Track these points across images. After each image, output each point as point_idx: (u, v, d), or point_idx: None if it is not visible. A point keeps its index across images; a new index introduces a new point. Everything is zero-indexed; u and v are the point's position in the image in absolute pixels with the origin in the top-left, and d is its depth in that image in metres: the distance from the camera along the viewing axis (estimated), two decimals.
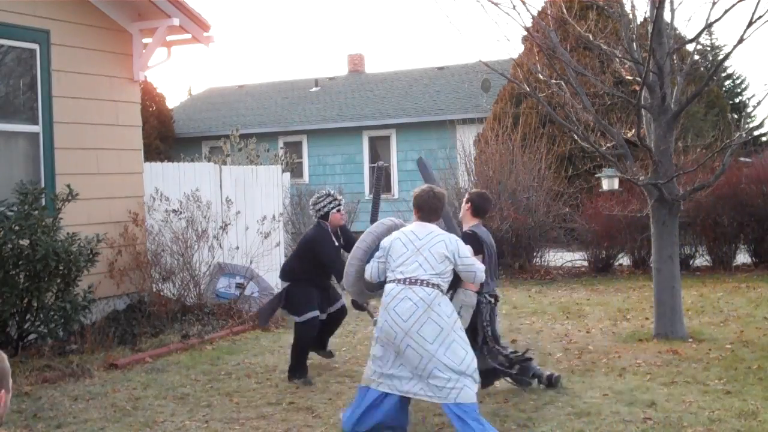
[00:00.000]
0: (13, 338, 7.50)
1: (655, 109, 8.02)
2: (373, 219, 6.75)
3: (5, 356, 2.68)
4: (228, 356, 7.80)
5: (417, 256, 5.11)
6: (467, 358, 4.98)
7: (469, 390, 4.93)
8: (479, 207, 6.21)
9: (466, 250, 5.28)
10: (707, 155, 9.27)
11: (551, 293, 11.43)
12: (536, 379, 6.33)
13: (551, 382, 6.28)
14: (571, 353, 7.54)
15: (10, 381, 2.66)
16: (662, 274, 8.17)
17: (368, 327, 9.28)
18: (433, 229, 5.25)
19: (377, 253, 5.38)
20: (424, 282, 5.02)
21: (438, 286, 5.05)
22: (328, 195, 7.04)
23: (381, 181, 7.18)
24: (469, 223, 6.18)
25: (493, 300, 6.06)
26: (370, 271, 5.40)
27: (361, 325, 9.43)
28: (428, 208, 5.34)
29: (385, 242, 5.34)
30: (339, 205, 7.02)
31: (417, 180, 16.98)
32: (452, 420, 4.96)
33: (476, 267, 5.22)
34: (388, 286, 5.14)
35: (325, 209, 6.98)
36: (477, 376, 5.05)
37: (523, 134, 15.08)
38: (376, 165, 7.31)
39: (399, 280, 5.07)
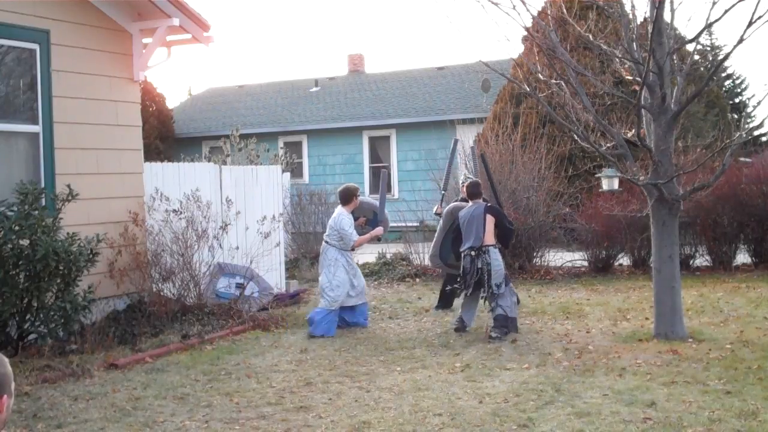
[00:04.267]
0: (13, 338, 7.50)
1: (655, 109, 8.01)
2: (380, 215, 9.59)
3: (6, 360, 2.64)
4: (228, 356, 7.80)
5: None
6: (327, 284, 9.01)
7: (322, 300, 8.99)
8: (471, 192, 9.15)
9: (346, 225, 8.98)
10: (707, 155, 9.27)
11: (551, 293, 11.42)
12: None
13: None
14: (571, 353, 7.54)
15: (13, 385, 2.62)
16: (662, 274, 8.17)
17: (368, 327, 9.29)
18: (337, 210, 9.19)
19: None
20: (325, 240, 9.19)
21: (328, 242, 9.13)
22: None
23: (384, 184, 9.73)
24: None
25: (474, 252, 8.67)
26: None
27: (360, 325, 9.43)
28: (341, 197, 9.26)
29: None
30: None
31: (417, 180, 16.88)
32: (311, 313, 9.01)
33: (347, 237, 8.97)
34: None
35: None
36: (332, 294, 8.92)
37: (523, 134, 15.07)
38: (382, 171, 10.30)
39: None
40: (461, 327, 8.73)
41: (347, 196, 9.19)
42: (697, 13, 34.59)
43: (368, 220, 9.50)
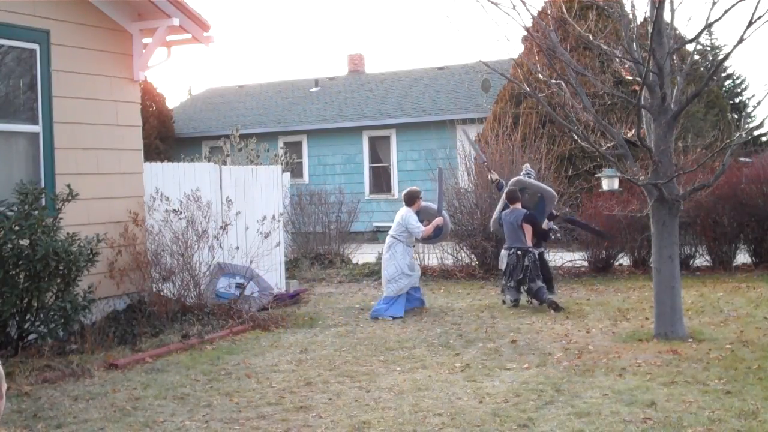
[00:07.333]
0: (13, 338, 7.50)
1: (655, 109, 8.01)
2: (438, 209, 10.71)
3: None
4: (228, 356, 7.80)
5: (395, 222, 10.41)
6: (394, 273, 10.09)
7: (389, 288, 10.09)
8: (508, 197, 10.56)
9: (413, 221, 10.19)
10: (707, 155, 9.26)
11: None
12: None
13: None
14: (571, 353, 7.54)
15: (4, 386, 2.57)
16: (662, 274, 8.17)
17: (368, 327, 9.29)
18: (402, 210, 10.36)
19: None
20: (390, 235, 10.35)
21: (394, 237, 10.28)
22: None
23: (442, 184, 10.92)
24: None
25: (520, 252, 10.27)
26: None
27: (360, 326, 9.43)
28: (405, 199, 10.43)
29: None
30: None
31: (417, 180, 16.87)
32: (380, 300, 10.18)
33: (414, 231, 10.21)
34: None
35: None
36: (400, 283, 10.04)
37: (523, 134, 15.06)
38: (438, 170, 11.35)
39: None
40: (515, 302, 10.31)
41: (411, 198, 10.41)
42: (697, 13, 34.55)
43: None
